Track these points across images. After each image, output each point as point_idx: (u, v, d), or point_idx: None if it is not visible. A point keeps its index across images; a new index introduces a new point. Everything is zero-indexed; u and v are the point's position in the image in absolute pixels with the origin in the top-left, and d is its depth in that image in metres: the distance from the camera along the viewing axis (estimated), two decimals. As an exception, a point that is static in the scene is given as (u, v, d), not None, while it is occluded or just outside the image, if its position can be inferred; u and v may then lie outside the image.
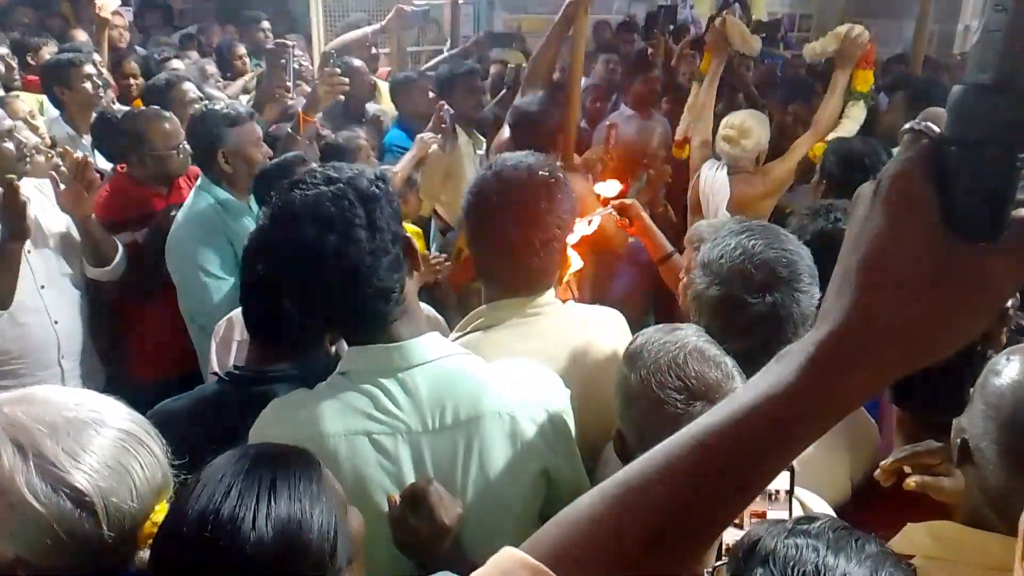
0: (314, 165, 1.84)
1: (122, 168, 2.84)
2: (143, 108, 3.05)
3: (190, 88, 3.46)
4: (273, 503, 0.92)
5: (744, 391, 0.50)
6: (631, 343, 1.26)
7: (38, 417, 1.00)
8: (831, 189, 2.52)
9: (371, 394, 1.22)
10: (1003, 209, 0.45)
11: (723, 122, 3.09)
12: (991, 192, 0.45)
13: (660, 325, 1.29)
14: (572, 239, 1.55)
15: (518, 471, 1.26)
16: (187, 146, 2.70)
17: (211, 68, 4.65)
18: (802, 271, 1.38)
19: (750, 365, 1.22)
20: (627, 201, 2.12)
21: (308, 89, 3.38)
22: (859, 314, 0.46)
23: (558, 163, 2.82)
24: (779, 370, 0.48)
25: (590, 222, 1.79)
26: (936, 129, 0.47)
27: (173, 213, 2.60)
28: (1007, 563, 0.94)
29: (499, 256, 1.50)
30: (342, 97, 3.32)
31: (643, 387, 1.14)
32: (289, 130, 2.98)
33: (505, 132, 2.96)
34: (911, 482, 1.06)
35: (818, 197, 2.55)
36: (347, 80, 3.14)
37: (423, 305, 1.61)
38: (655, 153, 3.70)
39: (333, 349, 1.65)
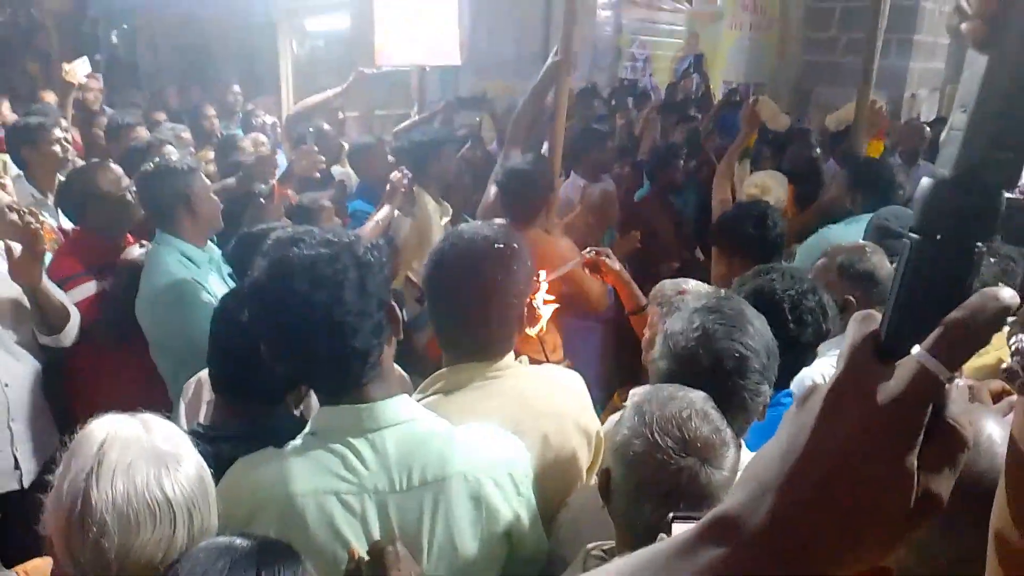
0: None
1: (76, 228, 2.90)
2: (90, 162, 3.11)
3: (172, 151, 3.54)
4: None
5: (641, 568, 0.50)
6: (637, 395, 1.30)
7: None
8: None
9: (340, 453, 1.25)
10: (958, 295, 0.47)
11: (747, 181, 3.50)
12: (948, 278, 0.49)
13: (669, 384, 1.33)
14: (542, 294, 1.60)
15: (481, 533, 1.30)
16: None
17: (186, 135, 4.71)
18: (752, 368, 1.41)
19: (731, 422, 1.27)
20: (601, 250, 2.18)
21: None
22: (783, 528, 0.46)
23: (546, 223, 2.94)
24: (687, 572, 0.47)
25: (559, 275, 1.85)
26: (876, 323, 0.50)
27: (138, 254, 2.64)
28: None
29: (458, 324, 1.55)
30: (317, 175, 3.41)
31: (642, 430, 1.19)
32: (262, 200, 3.06)
33: (491, 193, 3.01)
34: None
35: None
36: (324, 159, 3.23)
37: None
38: (605, 210, 3.83)
39: (298, 412, 1.67)
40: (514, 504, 1.32)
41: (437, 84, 6.81)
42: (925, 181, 0.50)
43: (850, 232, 2.90)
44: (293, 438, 1.33)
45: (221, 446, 1.44)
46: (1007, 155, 0.48)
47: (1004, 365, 0.52)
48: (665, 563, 0.49)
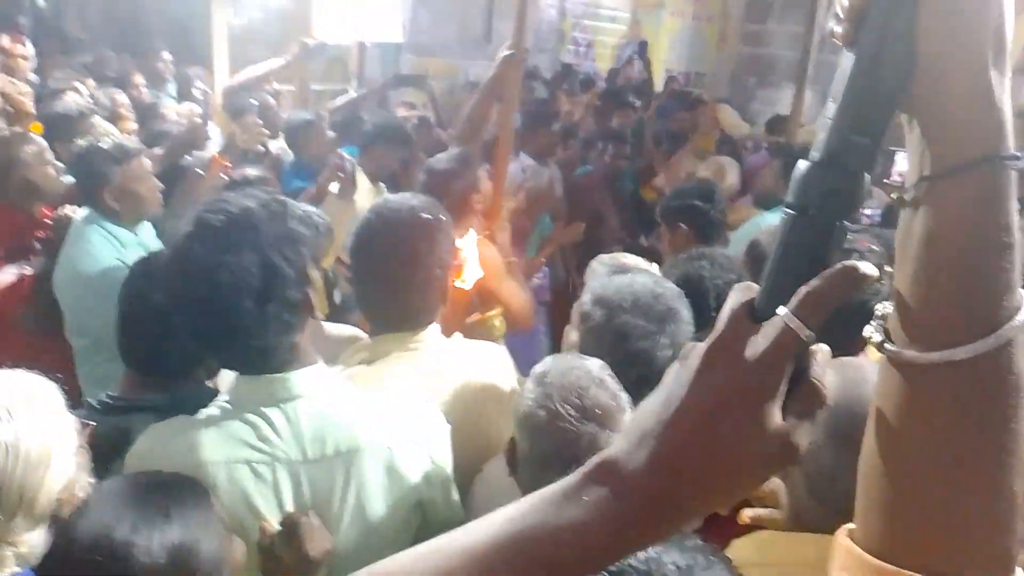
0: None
1: None
2: (10, 132, 2.98)
3: (100, 122, 3.41)
4: (166, 529, 0.93)
5: (530, 511, 0.53)
6: (536, 367, 1.32)
7: None
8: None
9: (253, 423, 1.24)
10: (822, 265, 0.52)
11: (702, 165, 3.44)
12: (811, 249, 0.54)
13: (566, 354, 1.36)
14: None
15: (394, 504, 1.29)
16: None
17: (122, 98, 4.54)
18: (684, 309, 1.51)
19: (642, 395, 1.30)
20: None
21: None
22: (663, 473, 0.51)
23: (478, 225, 2.90)
24: (571, 512, 0.51)
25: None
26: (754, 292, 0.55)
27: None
28: (816, 562, 1.03)
29: (381, 293, 1.53)
30: (261, 147, 3.34)
31: (544, 400, 1.22)
32: (198, 170, 2.96)
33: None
34: (745, 516, 1.14)
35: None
36: (267, 132, 3.15)
37: (346, 327, 1.65)
38: (549, 196, 3.86)
39: (211, 383, 1.63)
40: (428, 474, 1.32)
41: (377, 62, 6.72)
42: (801, 163, 0.56)
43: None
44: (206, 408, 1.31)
45: (133, 417, 1.41)
46: (864, 140, 0.53)
47: (866, 331, 0.55)
48: (552, 504, 0.53)
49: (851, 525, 0.61)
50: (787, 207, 0.56)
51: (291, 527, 1.18)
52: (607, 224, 4.51)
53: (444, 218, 1.55)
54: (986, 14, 0.50)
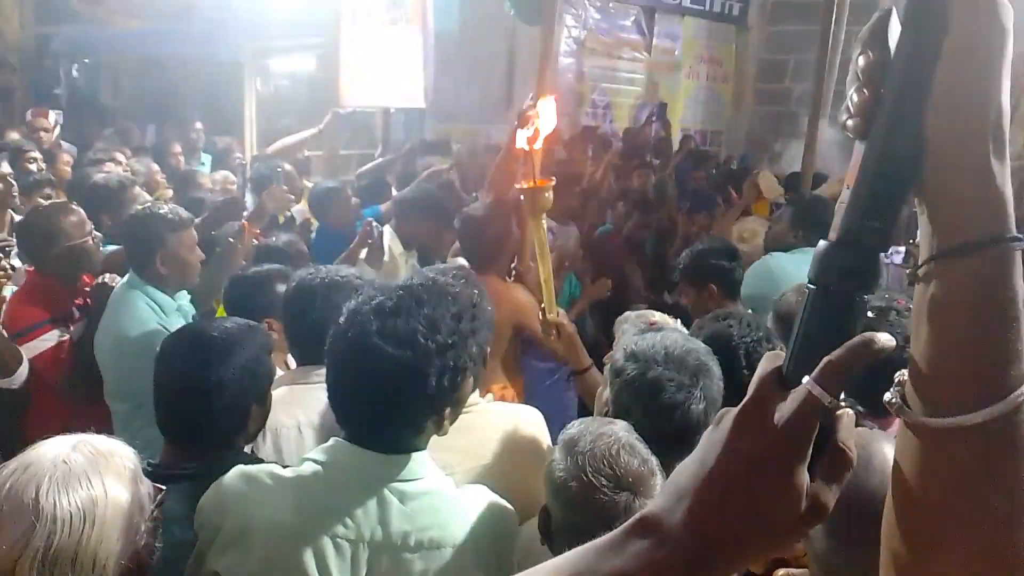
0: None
1: (31, 268, 2.83)
2: (52, 203, 3.07)
3: (140, 193, 3.53)
4: None
5: (576, 561, 0.59)
6: (567, 431, 1.36)
7: None
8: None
9: (346, 497, 1.25)
10: (843, 336, 0.57)
11: (736, 228, 3.96)
12: (832, 321, 0.59)
13: (593, 418, 1.40)
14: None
15: None
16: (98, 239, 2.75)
17: (156, 167, 4.69)
18: (715, 365, 1.55)
19: (676, 449, 1.33)
20: (559, 319, 2.24)
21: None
22: (697, 532, 0.55)
23: (513, 270, 2.99)
24: (615, 562, 0.56)
25: None
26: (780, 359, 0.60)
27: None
28: None
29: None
30: (289, 212, 3.44)
31: (577, 471, 1.25)
32: (230, 239, 3.06)
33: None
34: (779, 575, 1.17)
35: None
36: (294, 197, 3.25)
37: None
38: (575, 256, 3.93)
39: (248, 449, 1.68)
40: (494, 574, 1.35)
41: (401, 127, 6.91)
42: (821, 243, 0.62)
43: (793, 260, 3.20)
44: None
45: (170, 486, 1.43)
46: (876, 224, 0.59)
47: (885, 397, 0.60)
48: (597, 555, 0.58)
49: None
50: (810, 282, 0.61)
51: None
52: (632, 283, 4.56)
53: (478, 291, 1.60)
54: (987, 110, 0.56)
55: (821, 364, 0.56)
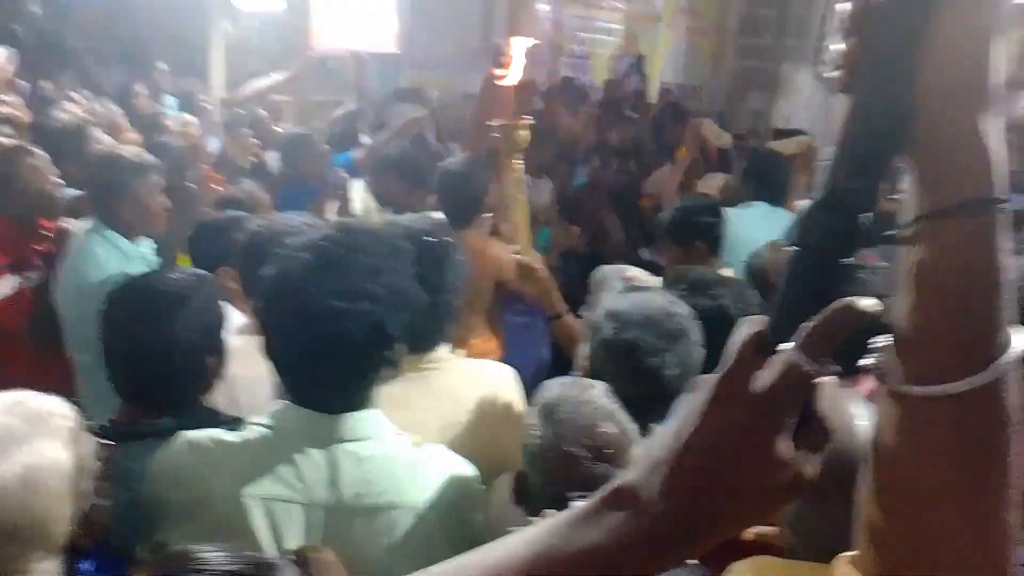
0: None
1: None
2: (10, 144, 2.98)
3: (101, 136, 3.43)
4: None
5: (548, 533, 0.55)
6: (543, 395, 1.33)
7: None
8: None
9: (296, 460, 1.21)
10: (826, 301, 0.54)
11: (701, 184, 3.87)
12: (815, 285, 0.56)
13: (571, 380, 1.38)
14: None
15: (415, 566, 1.24)
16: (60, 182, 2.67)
17: (119, 110, 4.53)
18: (695, 330, 1.53)
19: (650, 413, 1.35)
20: (525, 259, 2.22)
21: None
22: (679, 503, 0.53)
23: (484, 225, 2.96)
24: (589, 534, 0.53)
25: None
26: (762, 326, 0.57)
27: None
28: None
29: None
30: (253, 159, 3.36)
31: (556, 441, 1.23)
32: (191, 187, 2.99)
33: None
34: (750, 533, 1.17)
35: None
36: (260, 143, 3.18)
37: None
38: (548, 210, 3.89)
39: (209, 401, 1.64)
40: (455, 544, 1.29)
41: (376, 75, 6.75)
42: (805, 202, 0.57)
43: (742, 216, 3.19)
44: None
45: (132, 445, 1.39)
46: (862, 182, 0.56)
47: (868, 362, 0.58)
48: (570, 527, 0.55)
49: (852, 553, 0.63)
50: (792, 244, 0.58)
51: (305, 561, 1.15)
52: (611, 239, 4.53)
53: (449, 240, 1.56)
54: (984, 64, 0.53)
55: (802, 330, 0.53)
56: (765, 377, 0.53)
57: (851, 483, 0.62)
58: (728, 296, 1.90)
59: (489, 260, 2.77)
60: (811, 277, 0.57)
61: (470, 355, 2.75)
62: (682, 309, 1.54)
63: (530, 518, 1.27)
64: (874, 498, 0.59)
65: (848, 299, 0.53)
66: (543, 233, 3.91)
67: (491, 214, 2.91)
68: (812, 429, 0.54)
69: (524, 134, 2.21)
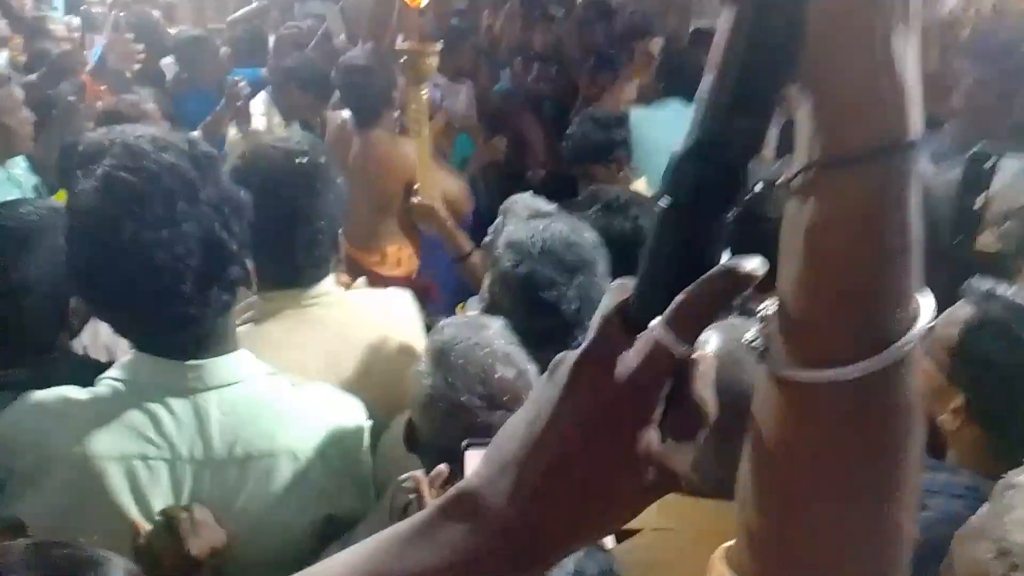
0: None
1: None
2: None
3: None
4: None
5: (375, 554, 0.46)
6: (435, 337, 1.23)
7: None
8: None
9: (153, 413, 1.10)
10: (702, 265, 0.44)
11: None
12: (687, 248, 0.45)
13: (464, 319, 1.28)
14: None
15: (302, 513, 1.19)
16: None
17: (2, 25, 4.12)
18: (600, 259, 1.46)
19: (549, 346, 1.24)
20: (421, 201, 2.11)
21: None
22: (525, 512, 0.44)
23: (396, 123, 2.80)
24: (422, 555, 0.45)
25: None
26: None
27: None
28: (718, 527, 1.02)
29: (261, 250, 1.38)
30: (136, 66, 3.09)
31: (446, 389, 1.14)
32: (71, 98, 2.73)
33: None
34: None
35: None
36: (140, 49, 2.92)
37: None
38: (466, 116, 3.71)
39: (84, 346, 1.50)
40: (343, 484, 1.24)
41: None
42: (676, 145, 0.46)
43: (654, 117, 3.08)
44: (79, 381, 1.17)
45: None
46: (748, 122, 0.44)
47: (746, 337, 0.47)
48: (406, 543, 0.46)
49: (730, 544, 0.55)
50: (660, 198, 0.47)
51: (170, 521, 1.08)
52: (531, 149, 4.37)
53: (325, 160, 1.42)
54: None
55: (675, 302, 0.43)
56: (630, 359, 0.44)
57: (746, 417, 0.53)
58: (644, 217, 1.82)
59: (399, 160, 2.66)
60: (681, 238, 0.46)
61: (383, 264, 2.69)
62: (586, 238, 1.46)
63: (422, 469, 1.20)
64: (749, 495, 0.51)
65: (729, 261, 0.43)
66: (460, 140, 3.74)
67: (399, 111, 2.75)
68: (684, 415, 0.45)
69: (431, 62, 2.05)
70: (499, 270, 1.46)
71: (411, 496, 1.22)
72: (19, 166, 2.52)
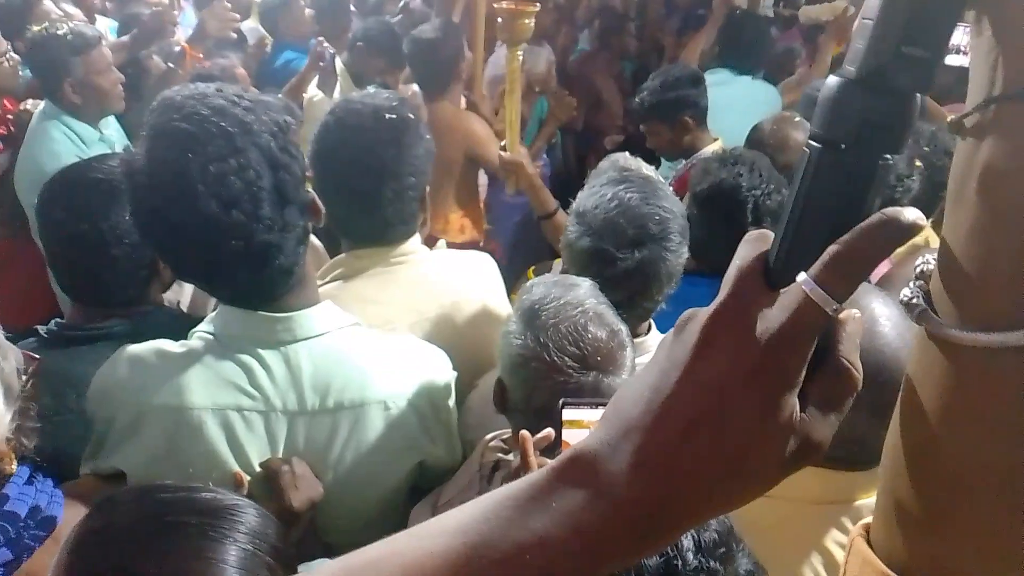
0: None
1: None
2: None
3: (50, 8, 3.18)
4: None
5: (489, 518, 0.43)
6: (525, 296, 1.20)
7: None
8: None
9: (246, 365, 1.11)
10: (857, 214, 0.40)
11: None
12: (843, 195, 0.41)
13: (553, 278, 1.24)
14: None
15: (394, 462, 1.20)
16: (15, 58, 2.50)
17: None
18: (673, 230, 1.37)
19: (624, 318, 1.21)
20: (511, 156, 2.08)
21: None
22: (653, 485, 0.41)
23: (463, 96, 2.79)
24: (538, 522, 0.41)
25: None
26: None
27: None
28: (820, 496, 1.04)
29: (350, 208, 1.39)
30: (233, 34, 3.14)
31: (539, 350, 1.10)
32: (170, 64, 2.79)
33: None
34: None
35: None
36: (238, 16, 2.97)
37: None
38: (547, 79, 3.65)
39: (177, 301, 1.53)
40: (433, 433, 1.23)
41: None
42: (831, 80, 0.41)
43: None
44: (173, 334, 1.18)
45: (84, 349, 1.28)
46: (920, 53, 0.39)
47: (903, 295, 0.42)
48: (516, 510, 0.42)
49: (868, 521, 0.51)
50: (812, 139, 0.42)
51: (272, 474, 1.09)
52: (608, 110, 4.28)
53: (413, 116, 1.39)
54: None
55: (825, 255, 0.39)
56: (773, 317, 0.40)
57: (875, 392, 0.50)
58: (744, 173, 1.76)
59: (461, 132, 2.67)
60: (838, 183, 0.41)
61: (447, 231, 2.69)
62: (658, 208, 1.37)
63: (511, 430, 1.18)
64: (903, 471, 0.45)
65: (887, 210, 0.39)
66: (540, 103, 3.67)
67: (465, 85, 2.77)
68: (831, 382, 0.41)
69: (528, 23, 2.00)
70: (566, 239, 1.42)
71: (499, 456, 1.22)
72: (111, 126, 2.58)
